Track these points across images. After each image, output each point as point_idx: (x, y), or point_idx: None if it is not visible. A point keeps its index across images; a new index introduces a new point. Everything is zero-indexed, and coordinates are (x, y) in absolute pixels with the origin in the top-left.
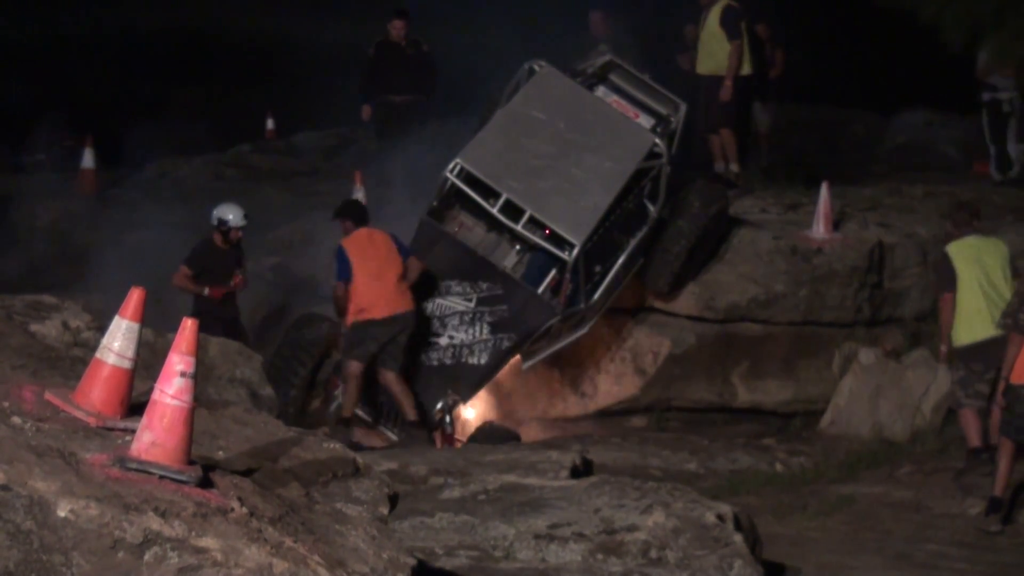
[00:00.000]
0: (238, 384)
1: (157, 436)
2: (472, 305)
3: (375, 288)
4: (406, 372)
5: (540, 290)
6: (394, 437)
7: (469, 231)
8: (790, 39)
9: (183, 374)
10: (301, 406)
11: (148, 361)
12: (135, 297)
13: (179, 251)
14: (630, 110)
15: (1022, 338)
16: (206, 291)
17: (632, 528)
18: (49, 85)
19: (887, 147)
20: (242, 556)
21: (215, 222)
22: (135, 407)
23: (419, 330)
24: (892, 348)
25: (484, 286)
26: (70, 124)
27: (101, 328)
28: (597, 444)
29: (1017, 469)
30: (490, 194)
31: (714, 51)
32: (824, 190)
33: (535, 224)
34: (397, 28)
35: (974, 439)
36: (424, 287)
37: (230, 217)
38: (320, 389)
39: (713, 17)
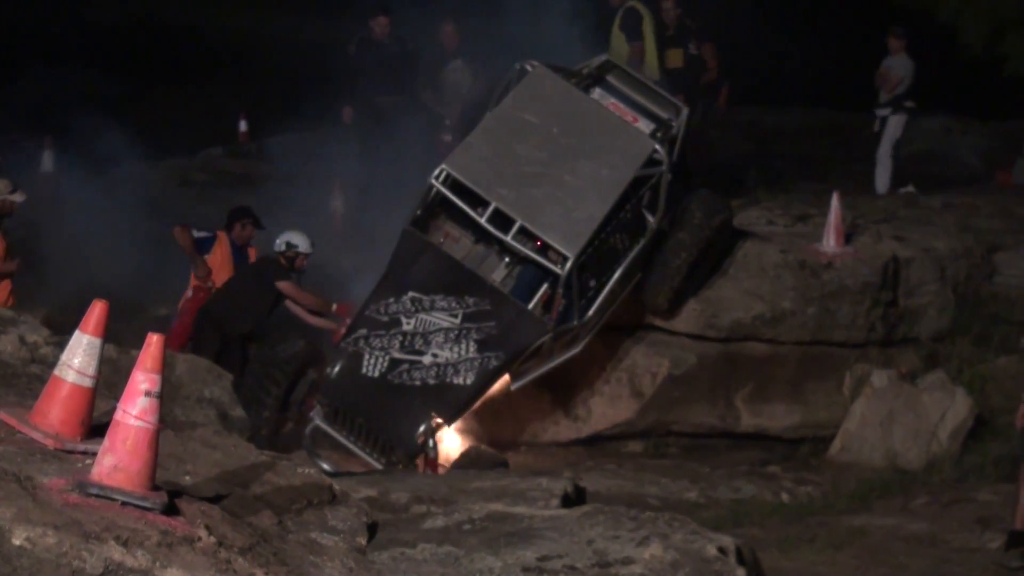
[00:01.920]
0: (207, 404)
1: (120, 459)
2: (458, 321)
3: None
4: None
5: (531, 306)
6: (377, 465)
7: (455, 242)
8: (800, 38)
9: (148, 393)
10: (274, 428)
11: (110, 379)
12: (97, 310)
13: (145, 260)
14: (628, 114)
15: None
16: (334, 306)
17: (627, 561)
18: (8, 83)
19: (903, 154)
20: None
21: (282, 247)
22: (96, 428)
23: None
24: (907, 370)
25: (471, 301)
26: (28, 125)
27: (60, 343)
28: (590, 471)
29: None
30: (478, 202)
31: (620, 54)
32: (835, 200)
33: (526, 235)
34: (381, 24)
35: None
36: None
37: (299, 243)
38: (295, 410)
39: (617, 19)
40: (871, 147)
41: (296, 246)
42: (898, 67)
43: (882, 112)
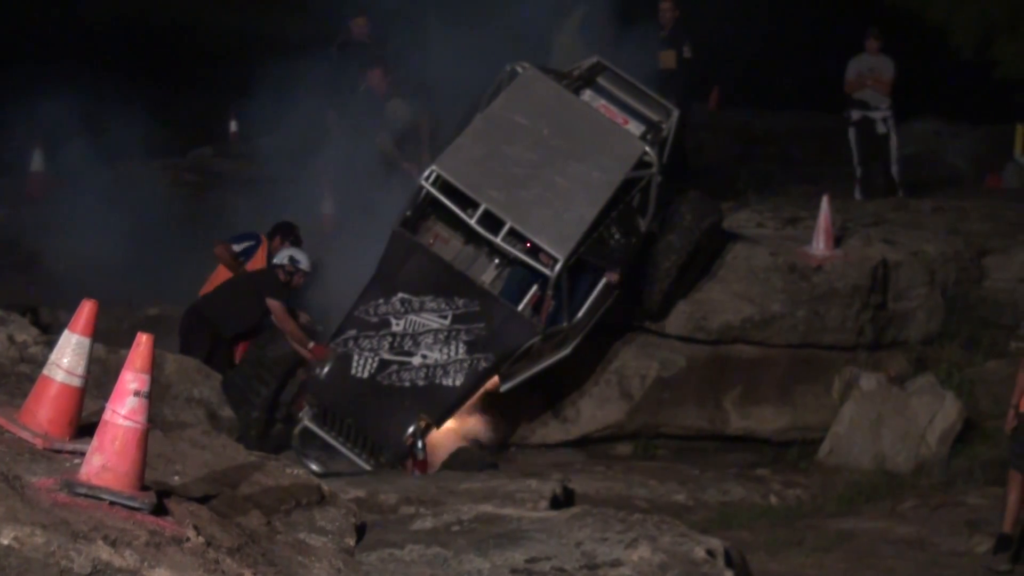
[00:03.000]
0: (196, 404)
1: (108, 459)
2: (447, 323)
3: None
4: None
5: (520, 307)
6: (366, 466)
7: (445, 244)
8: (791, 41)
9: (137, 393)
10: (263, 429)
11: (99, 379)
12: (86, 310)
13: (134, 260)
14: (619, 116)
15: None
16: (311, 345)
17: (616, 563)
18: None
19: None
20: None
21: (283, 261)
22: (85, 428)
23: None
24: (896, 374)
25: (460, 302)
26: (19, 123)
27: (50, 343)
28: (579, 473)
29: None
30: (468, 204)
31: (570, 55)
32: (825, 204)
33: (516, 237)
34: (359, 26)
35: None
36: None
37: (301, 260)
38: (284, 410)
39: (573, 23)
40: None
41: (298, 263)
42: (888, 67)
43: (883, 114)
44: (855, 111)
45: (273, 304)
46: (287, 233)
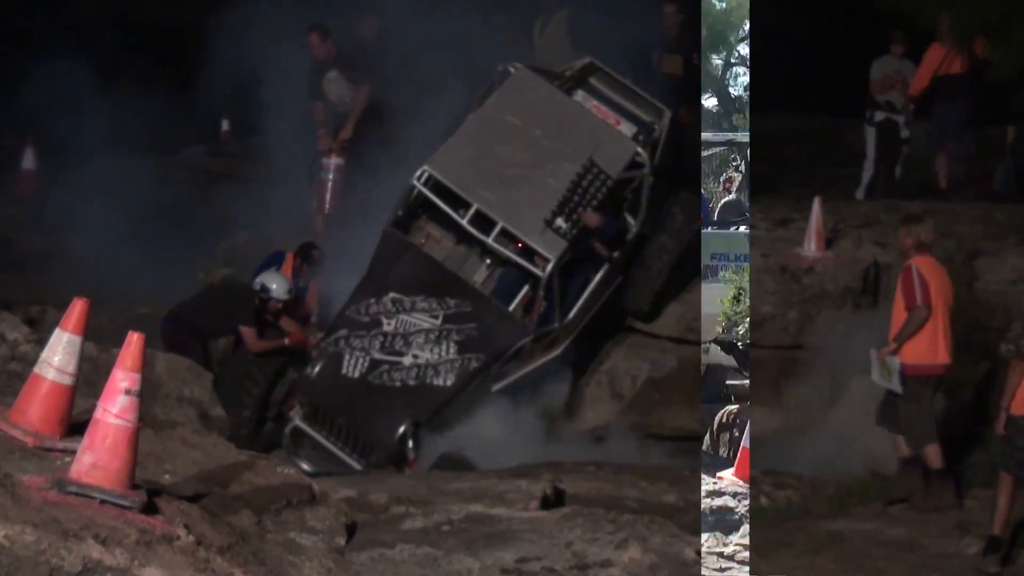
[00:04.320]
0: (187, 403)
1: (99, 458)
2: (438, 323)
3: None
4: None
5: (511, 308)
6: (357, 465)
7: (436, 243)
8: (783, 43)
9: (128, 392)
10: (254, 428)
11: (90, 377)
12: (77, 308)
13: (125, 259)
14: (611, 116)
15: None
16: (286, 341)
17: (606, 563)
18: None
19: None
20: None
21: (257, 287)
22: (76, 426)
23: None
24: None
25: (451, 303)
26: (9, 122)
27: (40, 341)
28: (570, 473)
29: (1017, 506)
30: (459, 204)
31: (554, 59)
32: (816, 205)
33: (507, 237)
34: (315, 42)
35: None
36: None
37: (272, 287)
38: (274, 409)
39: (557, 25)
40: (857, 153)
41: (269, 290)
42: (912, 71)
43: (902, 117)
44: (879, 112)
45: (242, 330)
46: (302, 253)
